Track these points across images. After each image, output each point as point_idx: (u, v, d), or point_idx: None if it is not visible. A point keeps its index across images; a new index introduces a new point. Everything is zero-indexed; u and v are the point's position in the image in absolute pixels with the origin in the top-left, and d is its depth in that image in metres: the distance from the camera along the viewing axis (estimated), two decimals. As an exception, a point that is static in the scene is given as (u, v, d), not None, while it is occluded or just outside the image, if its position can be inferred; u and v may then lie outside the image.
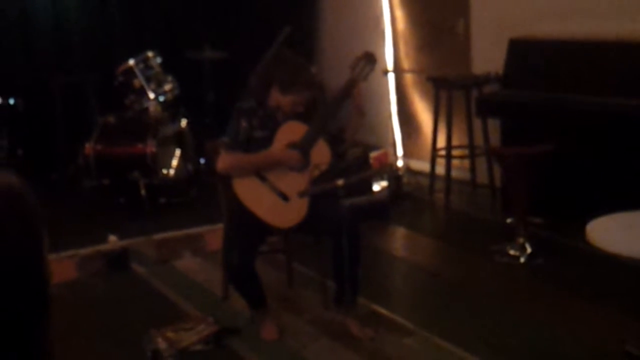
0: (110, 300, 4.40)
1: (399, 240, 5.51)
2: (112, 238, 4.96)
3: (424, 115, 6.74)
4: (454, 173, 5.97)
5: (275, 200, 3.76)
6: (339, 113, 3.86)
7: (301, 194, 3.71)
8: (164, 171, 5.85)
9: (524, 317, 3.96)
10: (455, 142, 5.94)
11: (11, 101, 5.94)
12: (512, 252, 4.71)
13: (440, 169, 6.06)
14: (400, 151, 6.97)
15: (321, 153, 3.76)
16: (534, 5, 5.60)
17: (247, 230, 3.73)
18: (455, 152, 6.00)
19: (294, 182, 3.74)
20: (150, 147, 5.63)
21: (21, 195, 1.08)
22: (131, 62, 5.85)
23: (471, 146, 5.95)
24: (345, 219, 3.67)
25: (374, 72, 3.89)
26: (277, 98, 3.74)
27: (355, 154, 5.75)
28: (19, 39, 6.54)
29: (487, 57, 5.77)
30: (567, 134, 4.84)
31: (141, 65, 5.88)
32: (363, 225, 3.88)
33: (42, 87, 6.51)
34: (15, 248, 1.05)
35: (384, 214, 5.62)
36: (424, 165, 6.43)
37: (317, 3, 7.67)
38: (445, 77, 5.95)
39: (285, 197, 3.76)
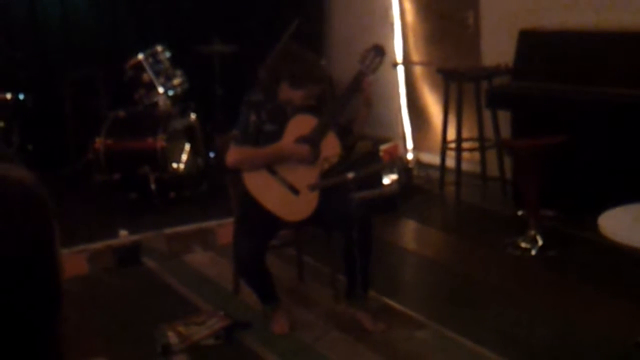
0: (121, 295, 4.41)
1: (409, 233, 5.50)
2: (123, 233, 4.96)
3: (433, 107, 6.72)
4: (465, 166, 5.95)
5: (285, 194, 3.75)
6: (348, 106, 3.85)
7: (311, 188, 3.70)
8: (174, 165, 5.85)
9: (536, 309, 3.94)
10: (465, 134, 5.92)
11: (21, 96, 5.95)
12: (523, 244, 4.70)
13: (450, 162, 6.04)
14: (410, 144, 6.96)
15: (331, 146, 3.75)
16: (544, -4, 5.58)
17: (257, 224, 3.72)
18: (465, 145, 5.98)
19: (304, 176, 3.73)
20: (160, 142, 5.62)
21: (34, 190, 1.08)
22: (140, 56, 5.85)
23: (481, 138, 5.93)
24: (356, 213, 3.66)
25: (384, 64, 3.88)
26: (288, 93, 3.73)
27: (365, 147, 5.74)
28: (28, 34, 6.55)
29: (497, 48, 5.74)
30: (578, 125, 4.81)
31: (150, 60, 5.88)
32: (373, 219, 3.86)
33: (52, 82, 6.53)
34: (28, 243, 1.05)
35: (394, 207, 5.61)
36: (434, 158, 6.41)
37: (326, -4, 7.66)
38: (455, 69, 5.93)
39: (295, 191, 3.75)
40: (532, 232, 4.70)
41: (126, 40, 6.77)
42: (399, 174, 5.91)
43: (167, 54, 6.02)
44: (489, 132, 5.83)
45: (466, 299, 4.17)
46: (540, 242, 4.67)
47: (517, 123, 5.41)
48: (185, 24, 7.04)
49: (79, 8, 6.73)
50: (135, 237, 4.96)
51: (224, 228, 4.90)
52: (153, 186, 5.58)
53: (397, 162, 5.99)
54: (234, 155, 3.76)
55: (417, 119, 6.94)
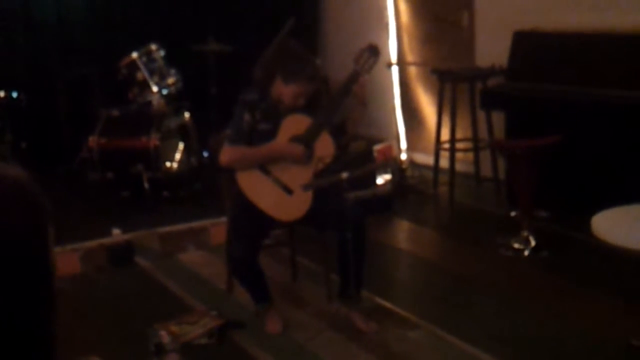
0: (114, 294, 4.41)
1: (403, 233, 5.50)
2: (116, 231, 4.96)
3: (428, 108, 6.72)
4: (458, 166, 5.95)
5: (279, 194, 3.75)
6: (342, 106, 3.85)
7: (305, 187, 3.70)
8: (168, 164, 5.85)
9: (528, 310, 3.95)
10: (459, 135, 5.92)
11: (14, 94, 5.93)
12: (516, 245, 4.71)
13: (444, 162, 6.04)
14: (404, 144, 6.96)
15: (325, 146, 3.74)
16: (538, -3, 5.59)
17: (250, 223, 3.72)
18: (459, 145, 5.98)
19: (298, 175, 3.73)
20: (154, 141, 5.62)
21: (28, 189, 1.07)
22: (134, 55, 5.83)
23: (475, 139, 5.94)
24: (350, 213, 3.66)
25: (378, 64, 3.88)
26: (280, 88, 3.72)
27: (359, 147, 5.74)
28: (22, 32, 6.53)
29: (492, 49, 5.75)
30: (572, 126, 4.82)
31: (144, 58, 5.87)
32: (367, 219, 3.86)
33: (45, 80, 6.51)
34: (22, 242, 1.05)
35: (387, 207, 5.62)
36: (427, 159, 6.42)
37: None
38: (450, 70, 5.93)
39: (289, 191, 3.75)
40: (525, 233, 4.71)
41: (120, 39, 6.75)
42: (393, 174, 5.91)
43: (162, 53, 6.01)
44: (483, 133, 5.84)
45: (459, 299, 4.18)
46: (533, 243, 4.68)
47: (510, 124, 5.42)
48: (180, 22, 7.03)
49: (74, 6, 6.71)
50: (128, 236, 4.95)
51: (217, 227, 4.90)
52: (146, 185, 5.57)
53: (390, 162, 5.99)
54: (227, 154, 3.75)
55: (411, 119, 6.94)
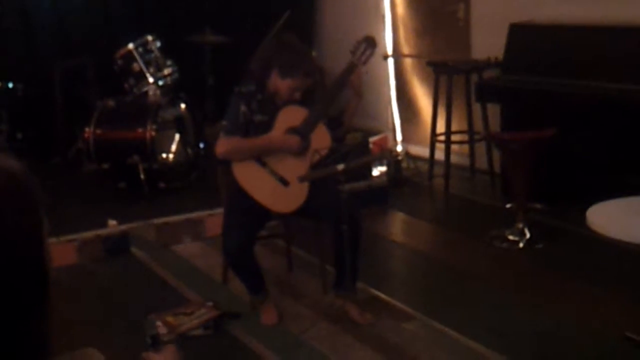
0: (110, 285, 4.41)
1: (398, 225, 5.51)
2: (112, 222, 4.96)
3: (423, 100, 6.72)
4: (453, 158, 5.96)
5: (274, 185, 3.75)
6: (338, 97, 3.85)
7: (301, 179, 3.70)
8: (164, 155, 5.84)
9: (523, 302, 3.96)
10: (454, 127, 5.93)
11: (10, 85, 5.91)
12: (511, 237, 4.72)
13: (439, 154, 6.05)
14: (399, 136, 6.97)
15: (321, 138, 3.75)
16: (534, -10, 5.58)
17: (246, 215, 3.72)
18: (454, 138, 5.99)
19: (294, 167, 3.74)
20: (150, 132, 5.61)
21: (22, 179, 1.07)
22: (130, 46, 5.82)
23: (471, 131, 5.94)
24: (345, 205, 3.67)
25: (374, 56, 3.88)
26: (276, 82, 3.73)
27: (355, 139, 5.74)
28: (18, 22, 6.51)
29: (487, 42, 5.75)
30: (567, 119, 4.83)
31: (140, 49, 5.86)
32: (362, 211, 3.87)
33: (42, 70, 6.50)
34: (16, 232, 1.05)
35: (383, 199, 5.62)
36: (423, 151, 6.42)
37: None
38: (445, 62, 5.93)
39: (285, 182, 3.75)
40: (520, 225, 4.72)
41: (117, 30, 6.73)
42: (388, 166, 5.92)
43: (158, 44, 5.99)
44: (478, 125, 5.85)
45: (454, 291, 4.19)
46: (527, 235, 4.69)
47: (506, 116, 5.42)
48: (177, 13, 7.01)
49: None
50: (124, 227, 4.95)
51: (213, 218, 4.90)
52: (142, 176, 5.56)
53: (386, 154, 6.00)
54: (223, 145, 3.75)
55: (407, 111, 6.94)
